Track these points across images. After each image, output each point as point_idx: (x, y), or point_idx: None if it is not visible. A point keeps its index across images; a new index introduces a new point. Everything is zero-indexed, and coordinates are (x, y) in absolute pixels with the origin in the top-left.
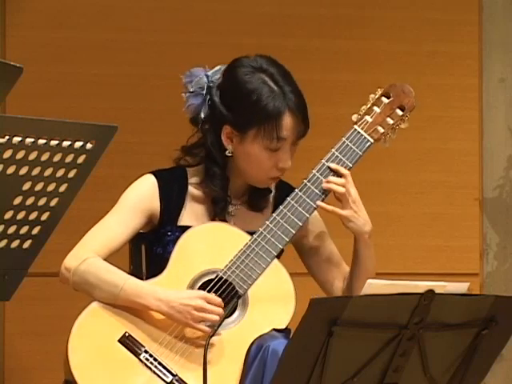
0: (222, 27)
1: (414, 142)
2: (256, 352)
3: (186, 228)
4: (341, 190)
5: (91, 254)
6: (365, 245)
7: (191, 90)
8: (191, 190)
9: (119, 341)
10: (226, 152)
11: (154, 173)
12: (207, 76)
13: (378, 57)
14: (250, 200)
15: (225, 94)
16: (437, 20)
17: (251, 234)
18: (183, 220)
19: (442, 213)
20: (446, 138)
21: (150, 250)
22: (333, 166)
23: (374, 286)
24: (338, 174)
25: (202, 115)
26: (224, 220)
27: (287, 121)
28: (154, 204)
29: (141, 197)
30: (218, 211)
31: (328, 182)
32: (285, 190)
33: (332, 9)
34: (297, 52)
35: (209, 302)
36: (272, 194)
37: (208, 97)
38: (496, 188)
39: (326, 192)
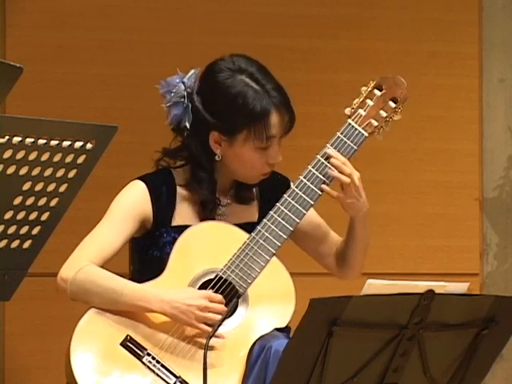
0: (222, 27)
1: (414, 142)
2: (258, 352)
3: (180, 228)
4: (346, 180)
5: (86, 262)
6: (360, 225)
7: (172, 101)
8: (180, 190)
9: (121, 344)
10: (216, 157)
11: (141, 178)
12: (184, 83)
13: (377, 57)
14: (237, 194)
15: (208, 100)
16: (437, 20)
17: (243, 226)
18: (176, 220)
19: (442, 213)
20: (446, 138)
21: (145, 254)
22: (332, 152)
23: (374, 286)
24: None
25: (187, 124)
26: (213, 219)
27: (274, 119)
28: (147, 209)
29: (133, 204)
30: (207, 213)
31: (334, 169)
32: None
33: (332, 9)
34: (297, 52)
35: (211, 301)
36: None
37: (190, 104)
38: (496, 188)
39: (322, 188)
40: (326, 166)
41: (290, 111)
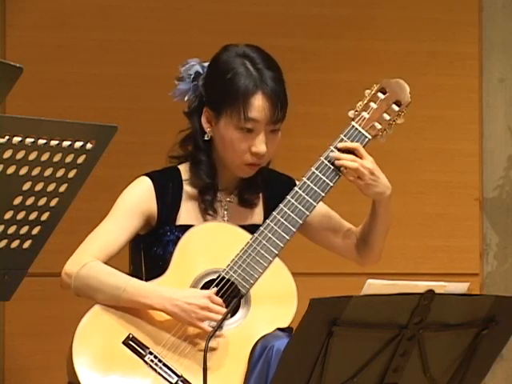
0: (222, 27)
1: (414, 142)
2: (260, 352)
3: (184, 227)
4: (353, 165)
5: (91, 258)
6: (383, 207)
7: (180, 76)
8: (186, 188)
9: (123, 343)
10: (205, 136)
11: (148, 175)
12: (202, 67)
13: (377, 57)
14: (241, 195)
15: (206, 77)
16: (437, 20)
17: (247, 228)
18: (181, 219)
19: (442, 213)
20: (446, 138)
21: (149, 251)
22: (340, 144)
23: (374, 286)
24: (349, 151)
25: (186, 98)
26: (215, 211)
27: (258, 102)
28: (151, 206)
29: (138, 200)
30: (207, 201)
31: (339, 158)
32: (274, 180)
33: (332, 9)
34: (297, 52)
35: (213, 302)
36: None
37: (195, 82)
38: (496, 188)
39: (326, 189)
40: (330, 167)
41: (281, 104)
